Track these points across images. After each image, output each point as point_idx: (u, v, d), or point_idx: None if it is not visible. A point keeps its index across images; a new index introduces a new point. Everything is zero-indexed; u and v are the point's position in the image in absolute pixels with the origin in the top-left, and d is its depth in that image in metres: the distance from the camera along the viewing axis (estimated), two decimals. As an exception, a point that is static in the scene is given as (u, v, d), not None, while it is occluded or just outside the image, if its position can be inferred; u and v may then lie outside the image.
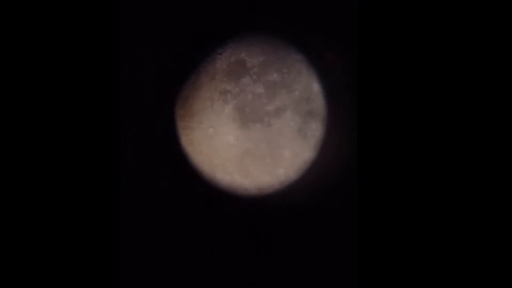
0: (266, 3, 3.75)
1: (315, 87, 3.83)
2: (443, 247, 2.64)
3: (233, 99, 3.73)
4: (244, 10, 3.75)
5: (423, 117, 2.70)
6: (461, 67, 2.66)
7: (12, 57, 2.62)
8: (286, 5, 3.74)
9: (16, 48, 2.63)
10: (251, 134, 3.75)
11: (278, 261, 3.78)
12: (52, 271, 2.62)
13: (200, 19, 3.72)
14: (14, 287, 2.56)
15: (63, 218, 2.63)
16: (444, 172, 2.66)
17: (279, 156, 3.78)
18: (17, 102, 2.62)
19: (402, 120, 2.72)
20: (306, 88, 3.83)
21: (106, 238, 2.69)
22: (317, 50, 3.79)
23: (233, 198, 3.77)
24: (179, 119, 3.77)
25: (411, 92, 2.72)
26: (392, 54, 2.73)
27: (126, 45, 3.53)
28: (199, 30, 3.73)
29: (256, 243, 3.79)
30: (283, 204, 3.76)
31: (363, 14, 2.77)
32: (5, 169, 2.58)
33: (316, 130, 3.80)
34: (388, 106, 2.74)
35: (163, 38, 3.70)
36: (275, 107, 3.77)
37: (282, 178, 3.77)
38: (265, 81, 3.77)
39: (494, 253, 2.59)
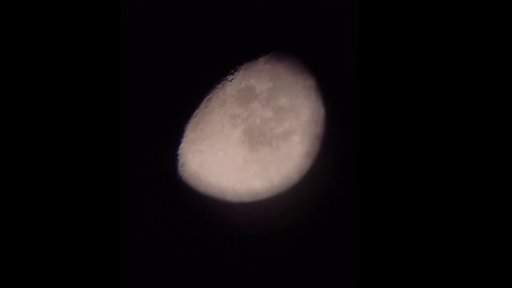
0: (277, 31, 3.93)
1: (323, 111, 3.91)
2: (443, 249, 2.62)
3: (242, 123, 3.85)
4: (255, 37, 3.93)
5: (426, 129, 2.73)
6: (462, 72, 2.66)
7: (12, 57, 2.63)
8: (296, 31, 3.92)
9: (17, 48, 2.64)
10: (260, 157, 3.83)
11: (278, 262, 3.78)
12: (52, 271, 2.63)
13: (212, 47, 3.91)
14: (15, 287, 2.58)
15: (64, 218, 2.66)
16: (442, 181, 2.66)
17: (287, 179, 3.83)
18: (17, 102, 2.62)
19: (402, 137, 2.76)
20: (314, 112, 3.91)
21: (107, 241, 2.72)
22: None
23: (241, 218, 3.82)
24: (190, 143, 3.90)
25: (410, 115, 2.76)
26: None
27: (138, 69, 3.76)
28: (211, 57, 3.92)
29: (258, 247, 3.80)
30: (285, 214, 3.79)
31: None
32: (6, 170, 2.59)
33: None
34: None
35: (176, 66, 3.90)
36: (284, 130, 3.86)
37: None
38: (273, 106, 3.88)
39: (494, 253, 2.55)
